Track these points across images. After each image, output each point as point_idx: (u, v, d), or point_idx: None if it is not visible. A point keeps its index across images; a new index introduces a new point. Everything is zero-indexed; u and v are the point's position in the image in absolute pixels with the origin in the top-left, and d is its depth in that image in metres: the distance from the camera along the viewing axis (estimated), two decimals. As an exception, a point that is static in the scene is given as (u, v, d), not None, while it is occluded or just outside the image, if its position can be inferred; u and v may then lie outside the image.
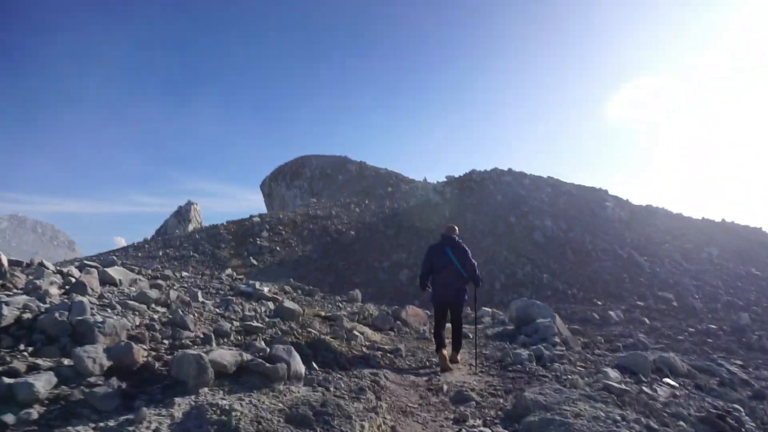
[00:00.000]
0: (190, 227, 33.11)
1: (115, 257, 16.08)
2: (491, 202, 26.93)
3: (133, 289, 6.97)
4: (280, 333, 6.39)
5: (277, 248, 24.26)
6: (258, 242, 24.78)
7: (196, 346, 5.01)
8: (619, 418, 4.03)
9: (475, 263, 6.75)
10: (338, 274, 21.29)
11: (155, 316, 5.77)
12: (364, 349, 7.03)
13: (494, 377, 6.53)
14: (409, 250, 23.05)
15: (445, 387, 5.73)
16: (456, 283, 6.58)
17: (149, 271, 10.18)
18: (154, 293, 6.52)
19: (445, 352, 6.45)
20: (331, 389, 4.76)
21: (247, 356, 4.56)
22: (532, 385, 5.76)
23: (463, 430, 4.28)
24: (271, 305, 8.19)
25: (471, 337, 9.44)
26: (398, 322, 10.30)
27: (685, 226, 25.54)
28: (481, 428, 4.29)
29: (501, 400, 5.42)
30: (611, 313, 15.27)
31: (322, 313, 8.84)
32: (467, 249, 6.71)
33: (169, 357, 4.45)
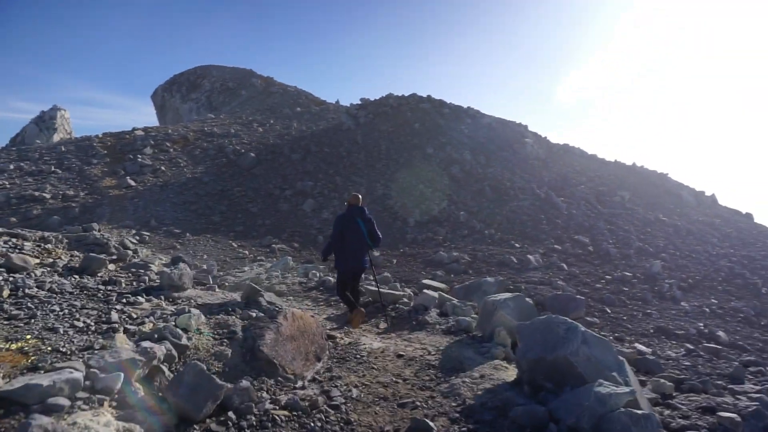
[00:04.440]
0: (56, 137, 27.90)
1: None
2: (408, 130, 24.91)
3: None
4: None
5: (162, 168, 20.81)
6: (139, 159, 21.13)
7: None
8: None
9: (379, 233, 7.15)
10: (232, 202, 18.54)
11: None
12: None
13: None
14: (315, 177, 20.66)
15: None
16: (363, 253, 6.87)
17: None
18: None
19: (361, 309, 6.86)
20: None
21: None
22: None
23: None
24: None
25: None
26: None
27: (599, 168, 25.31)
28: None
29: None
30: (530, 257, 14.36)
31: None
32: (373, 219, 7.04)
33: None
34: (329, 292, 9.60)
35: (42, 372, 3.09)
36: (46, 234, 7.15)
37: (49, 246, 6.68)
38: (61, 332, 3.88)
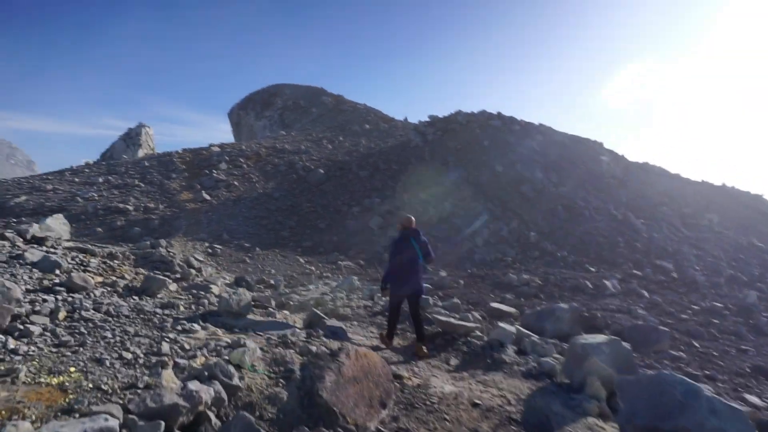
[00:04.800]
0: (140, 153, 29.80)
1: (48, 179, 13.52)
2: (476, 147, 24.47)
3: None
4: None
5: (235, 183, 21.61)
6: (214, 174, 22.06)
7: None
8: None
9: (433, 252, 6.94)
10: (301, 217, 18.89)
11: None
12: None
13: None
14: (383, 195, 20.69)
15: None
16: (419, 276, 6.67)
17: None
18: None
19: (420, 345, 6.63)
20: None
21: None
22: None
23: None
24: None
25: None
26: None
27: (683, 188, 23.72)
28: None
29: None
30: (606, 282, 13.54)
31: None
32: (428, 240, 6.88)
33: None
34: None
35: (77, 416, 2.89)
36: (114, 249, 7.25)
37: (115, 263, 6.73)
38: (107, 364, 3.71)
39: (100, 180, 20.90)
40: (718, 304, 12.65)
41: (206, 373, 3.66)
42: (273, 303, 7.22)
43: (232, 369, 3.77)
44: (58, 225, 7.04)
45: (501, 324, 7.71)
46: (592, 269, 14.86)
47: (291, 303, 9.38)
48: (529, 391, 5.47)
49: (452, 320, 7.52)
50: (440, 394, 5.05)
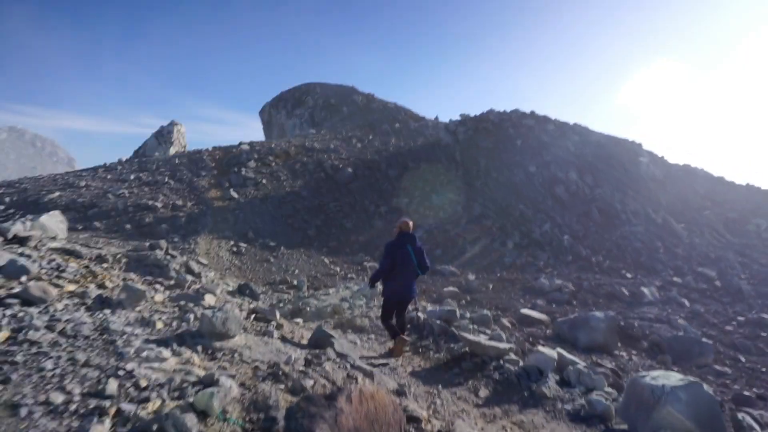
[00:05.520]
0: (172, 150, 30.15)
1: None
2: (509, 147, 23.85)
3: None
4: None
5: (263, 181, 21.56)
6: (243, 173, 22.06)
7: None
8: None
9: (428, 261, 6.84)
10: (328, 217, 18.70)
11: None
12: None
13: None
14: (411, 195, 20.33)
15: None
16: (413, 282, 6.60)
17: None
18: None
19: (404, 338, 6.50)
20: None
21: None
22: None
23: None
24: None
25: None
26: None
27: (727, 191, 22.57)
28: None
29: None
30: (644, 289, 12.93)
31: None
32: (423, 247, 6.78)
33: None
34: (418, 332, 7.81)
35: None
36: (107, 251, 6.40)
37: (101, 267, 5.87)
38: (23, 414, 2.66)
39: (132, 177, 21.15)
40: (766, 316, 11.91)
41: (155, 428, 2.74)
42: (277, 315, 6.45)
43: (190, 421, 2.82)
44: (53, 223, 6.37)
45: (540, 347, 6.65)
46: (629, 275, 14.20)
47: (308, 309, 9.06)
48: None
49: (482, 341, 6.67)
50: (468, 445, 4.24)
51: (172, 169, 22.46)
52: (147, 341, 4.02)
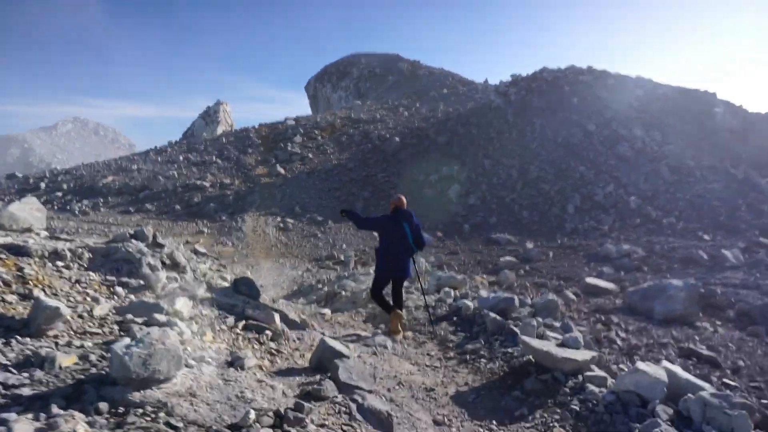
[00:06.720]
0: (219, 129, 30.39)
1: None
2: (565, 105, 22.26)
3: None
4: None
5: (310, 155, 21.21)
6: (289, 148, 21.79)
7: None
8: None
9: (424, 237, 6.71)
10: (376, 188, 18.13)
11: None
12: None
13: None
14: (462, 161, 19.39)
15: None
16: (407, 259, 6.37)
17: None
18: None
19: (399, 312, 6.23)
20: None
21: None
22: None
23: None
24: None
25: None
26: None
27: (818, 140, 20.19)
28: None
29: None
30: (726, 252, 11.57)
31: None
32: (420, 224, 6.55)
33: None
34: (466, 329, 6.22)
35: None
36: (67, 246, 4.78)
37: (48, 267, 4.37)
38: None
39: (181, 158, 21.37)
40: None
41: None
42: (277, 319, 5.08)
43: None
44: (26, 212, 5.43)
45: (641, 364, 4.22)
46: (707, 237, 12.87)
47: (342, 294, 8.50)
48: None
49: (552, 349, 4.72)
50: None
51: (220, 148, 22.52)
52: (19, 401, 2.41)
